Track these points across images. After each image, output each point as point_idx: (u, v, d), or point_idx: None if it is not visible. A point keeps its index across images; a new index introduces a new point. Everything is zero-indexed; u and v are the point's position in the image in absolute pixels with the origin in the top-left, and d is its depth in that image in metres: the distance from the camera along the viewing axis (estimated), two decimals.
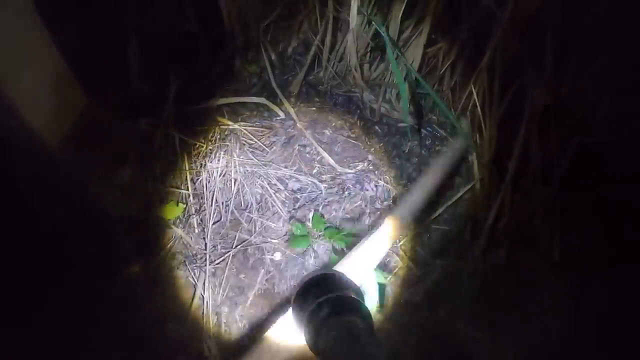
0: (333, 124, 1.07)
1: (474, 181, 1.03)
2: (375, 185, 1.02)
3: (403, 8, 1.01)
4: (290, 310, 0.92)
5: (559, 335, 0.98)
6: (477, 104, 1.03)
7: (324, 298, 0.78)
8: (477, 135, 1.05)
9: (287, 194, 1.01)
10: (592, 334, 0.94)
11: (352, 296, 0.81)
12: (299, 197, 1.01)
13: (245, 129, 1.06)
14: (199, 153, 1.03)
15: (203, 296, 0.99)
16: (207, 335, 0.98)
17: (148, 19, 1.15)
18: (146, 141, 1.07)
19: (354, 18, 0.91)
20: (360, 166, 1.03)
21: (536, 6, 0.96)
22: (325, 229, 0.98)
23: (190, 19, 1.15)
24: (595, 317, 0.96)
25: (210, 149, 1.02)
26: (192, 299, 1.00)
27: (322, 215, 1.00)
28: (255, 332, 0.98)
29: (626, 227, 0.94)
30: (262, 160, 1.02)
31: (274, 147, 1.04)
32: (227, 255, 1.00)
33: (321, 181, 1.00)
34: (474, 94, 1.03)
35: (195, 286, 1.00)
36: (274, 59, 1.15)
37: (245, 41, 1.16)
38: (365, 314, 0.77)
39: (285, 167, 1.03)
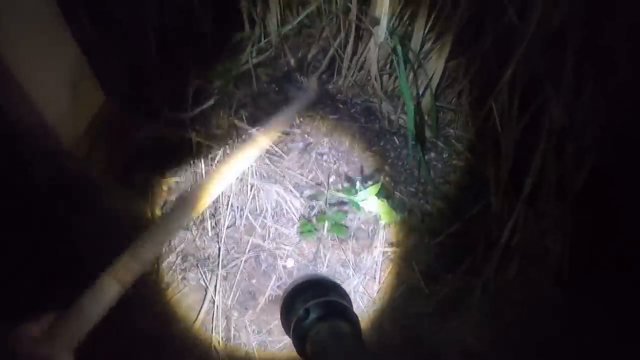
0: (351, 133, 1.07)
1: (490, 197, 1.03)
2: (392, 198, 1.02)
3: (426, 20, 1.01)
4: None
5: (565, 355, 0.98)
6: (497, 119, 1.03)
7: (310, 303, 0.79)
8: (493, 152, 1.06)
9: (303, 202, 1.00)
10: (598, 353, 0.95)
11: (339, 300, 0.81)
12: (314, 204, 1.00)
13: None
14: (216, 156, 1.02)
15: (214, 299, 0.99)
16: (215, 339, 0.98)
17: (167, 18, 1.15)
18: (162, 141, 1.06)
19: (382, 31, 0.91)
20: (377, 177, 1.03)
21: (559, 22, 0.96)
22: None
23: (207, 19, 1.15)
24: (601, 337, 0.96)
25: (228, 153, 1.02)
26: (203, 302, 0.99)
27: (324, 212, 0.99)
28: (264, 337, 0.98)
29: (635, 247, 0.95)
30: (279, 167, 1.02)
31: (291, 154, 1.04)
32: (239, 259, 1.00)
33: (337, 190, 1.00)
34: (494, 109, 1.03)
35: (206, 289, 1.00)
36: (293, 64, 1.15)
37: (265, 45, 1.16)
38: (352, 317, 0.77)
39: (302, 175, 1.02)
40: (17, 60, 0.75)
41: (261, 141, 0.89)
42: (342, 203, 1.00)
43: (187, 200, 0.72)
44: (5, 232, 0.94)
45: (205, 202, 0.74)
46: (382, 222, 0.99)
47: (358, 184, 0.97)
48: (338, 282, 0.99)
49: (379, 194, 0.94)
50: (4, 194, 0.97)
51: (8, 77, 0.75)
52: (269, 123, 0.94)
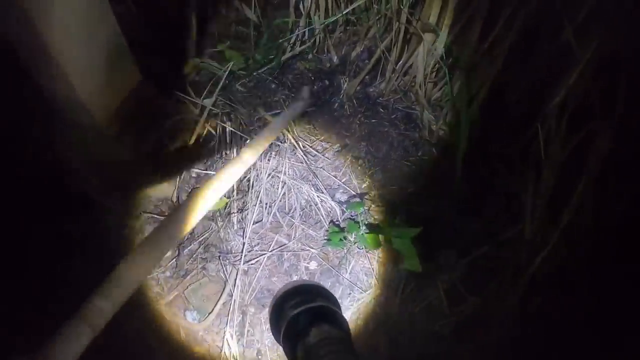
0: (389, 140, 1.04)
1: (524, 222, 0.99)
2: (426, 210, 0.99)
3: (480, 31, 0.97)
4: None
5: None
6: (541, 142, 0.99)
7: (301, 309, 0.78)
8: (534, 175, 1.02)
9: (333, 205, 0.98)
10: None
11: (329, 306, 0.80)
12: (344, 209, 0.98)
13: (300, 131, 1.03)
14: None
15: (232, 293, 0.98)
16: (229, 332, 0.97)
17: (209, 1, 1.12)
18: (196, 126, 1.04)
19: (441, 42, 0.87)
20: (412, 188, 1.00)
21: (615, 48, 0.92)
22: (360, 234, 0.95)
23: (251, 6, 1.11)
24: None
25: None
26: (221, 294, 0.98)
27: (356, 222, 0.97)
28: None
29: None
30: (313, 166, 0.99)
31: (326, 154, 1.01)
32: (262, 256, 0.98)
33: (370, 198, 0.97)
34: (540, 132, 0.99)
35: (225, 282, 0.98)
36: (336, 61, 1.11)
37: (308, 37, 1.12)
38: (342, 323, 0.77)
39: (335, 177, 1.00)
40: (55, 34, 0.72)
41: (247, 158, 0.80)
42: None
43: (166, 228, 0.63)
44: (33, 205, 0.93)
45: (187, 229, 0.66)
46: (403, 267, 0.96)
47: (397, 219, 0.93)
48: (357, 285, 0.97)
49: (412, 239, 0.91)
50: (34, 166, 0.96)
51: (45, 50, 0.73)
52: (256, 138, 0.86)
